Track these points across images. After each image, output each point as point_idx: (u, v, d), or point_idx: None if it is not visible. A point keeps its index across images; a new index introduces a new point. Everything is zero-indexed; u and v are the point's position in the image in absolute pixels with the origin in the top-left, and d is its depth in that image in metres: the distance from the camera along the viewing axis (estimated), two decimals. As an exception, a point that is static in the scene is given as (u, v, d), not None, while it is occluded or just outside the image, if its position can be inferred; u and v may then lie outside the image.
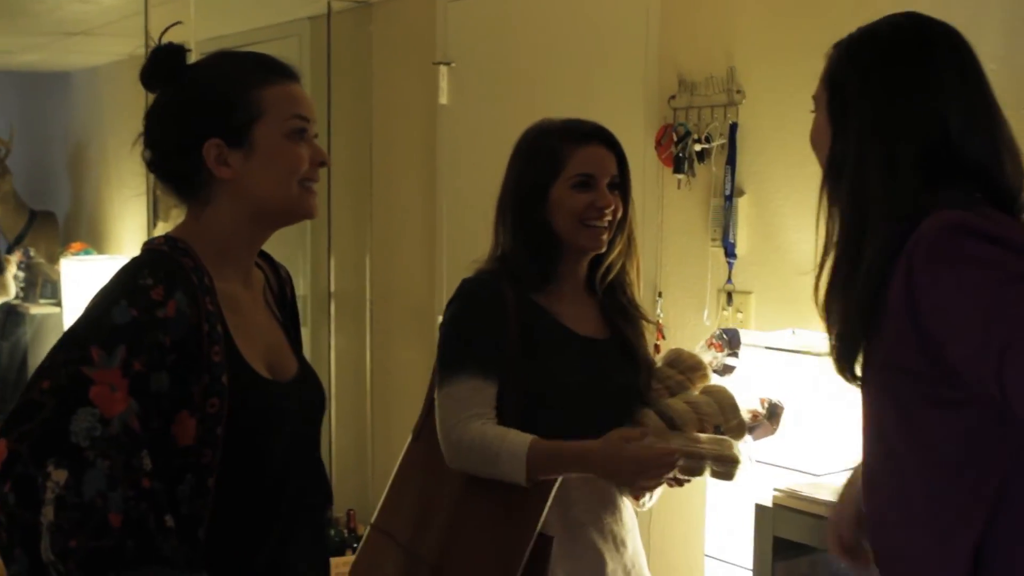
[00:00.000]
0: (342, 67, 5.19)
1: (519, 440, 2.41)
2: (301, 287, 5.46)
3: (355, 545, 4.61)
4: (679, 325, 4.03)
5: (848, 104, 1.92)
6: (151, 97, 1.97)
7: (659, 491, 2.58)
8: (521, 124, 2.66)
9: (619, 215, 2.57)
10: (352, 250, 5.29)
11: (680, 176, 4.01)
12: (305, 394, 2.05)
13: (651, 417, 2.50)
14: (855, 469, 2.14)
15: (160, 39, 1.96)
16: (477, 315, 2.53)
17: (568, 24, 4.12)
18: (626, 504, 2.60)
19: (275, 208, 1.94)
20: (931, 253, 1.73)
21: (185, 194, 1.96)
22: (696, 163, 3.97)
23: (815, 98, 2.02)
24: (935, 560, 1.81)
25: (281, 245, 2.18)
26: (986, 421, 1.76)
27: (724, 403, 2.55)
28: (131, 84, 1.98)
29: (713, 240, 3.93)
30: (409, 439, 2.71)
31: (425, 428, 2.61)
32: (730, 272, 3.89)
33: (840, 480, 3.15)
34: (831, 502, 2.96)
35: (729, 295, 3.90)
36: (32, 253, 7.79)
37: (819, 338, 3.37)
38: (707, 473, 2.41)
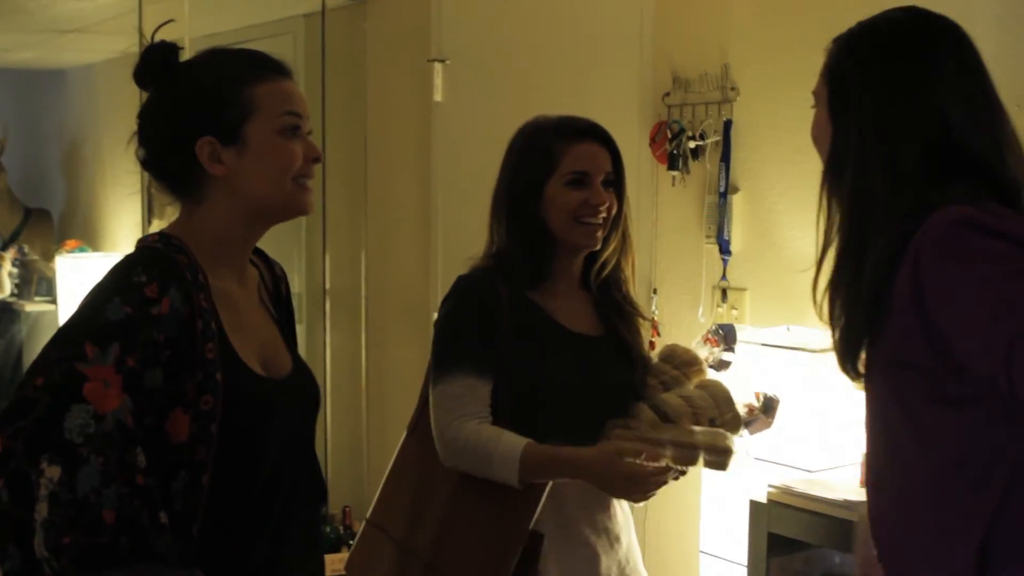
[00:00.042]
0: (336, 64, 5.18)
1: (513, 443, 2.41)
2: (296, 284, 5.45)
3: (350, 542, 4.59)
4: (674, 322, 4.03)
5: (849, 99, 1.91)
6: (146, 95, 1.97)
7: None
8: (516, 121, 2.66)
9: (614, 212, 2.57)
10: (347, 247, 5.29)
11: (675, 173, 4.02)
12: (299, 391, 2.05)
13: (645, 411, 2.50)
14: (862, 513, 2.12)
15: (152, 37, 1.96)
16: (471, 313, 2.53)
17: (563, 22, 4.12)
18: (620, 500, 2.60)
19: (269, 205, 1.94)
20: (939, 248, 1.72)
21: (179, 192, 1.96)
22: (690, 160, 3.98)
23: (815, 93, 2.01)
24: (941, 559, 1.80)
25: (276, 242, 2.18)
26: (993, 418, 1.75)
27: (719, 397, 2.55)
28: (126, 82, 1.98)
29: (708, 237, 3.94)
30: (404, 434, 2.71)
31: (420, 423, 2.62)
32: (725, 269, 3.90)
33: (834, 477, 3.17)
34: (826, 499, 2.97)
35: (724, 292, 3.90)
36: (27, 250, 7.78)
37: (814, 335, 3.38)
38: (701, 463, 2.41)
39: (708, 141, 3.93)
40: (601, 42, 4.17)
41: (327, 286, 5.27)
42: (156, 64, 1.93)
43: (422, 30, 4.19)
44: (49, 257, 7.68)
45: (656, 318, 3.96)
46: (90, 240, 7.82)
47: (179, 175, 1.94)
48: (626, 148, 2.65)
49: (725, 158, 3.87)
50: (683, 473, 2.46)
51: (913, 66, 1.87)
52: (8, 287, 7.54)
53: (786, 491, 3.08)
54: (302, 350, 2.20)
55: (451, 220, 4.03)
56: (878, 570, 2.01)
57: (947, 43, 1.89)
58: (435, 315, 2.64)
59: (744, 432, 2.59)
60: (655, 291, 4.12)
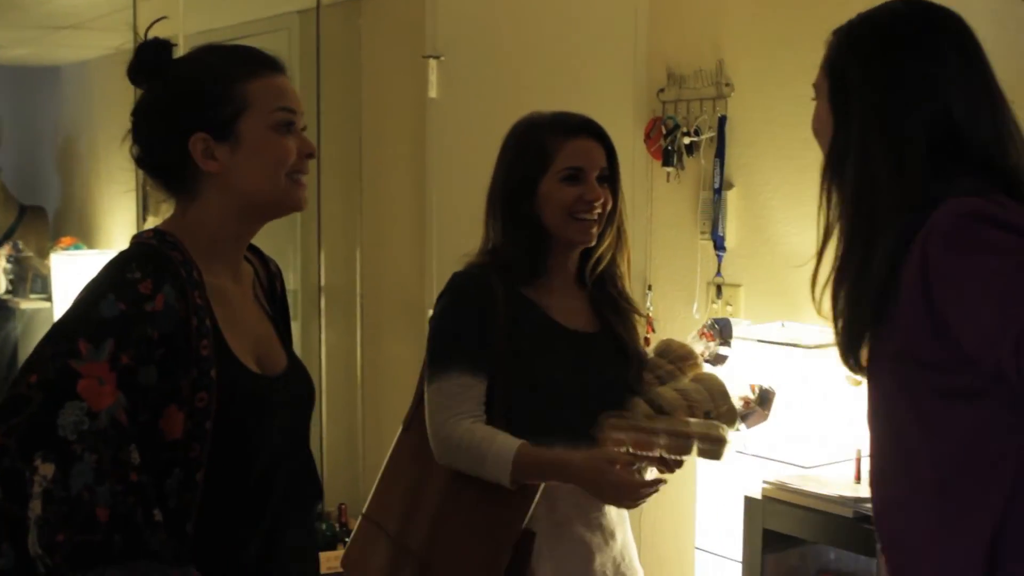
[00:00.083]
0: (331, 60, 5.17)
1: (507, 445, 2.41)
2: (291, 281, 5.45)
3: (346, 539, 4.59)
4: (668, 318, 4.03)
5: (850, 92, 1.90)
6: (140, 92, 1.97)
7: (650, 477, 2.58)
8: (511, 118, 2.66)
9: (608, 208, 2.57)
10: (342, 244, 5.28)
11: (669, 169, 4.02)
12: (294, 388, 2.04)
13: (640, 405, 2.50)
14: None
15: (146, 34, 1.95)
16: (466, 310, 2.54)
17: (557, 18, 4.12)
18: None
19: (263, 201, 1.94)
20: (947, 241, 1.72)
21: (173, 189, 1.96)
22: (685, 156, 3.98)
23: (816, 86, 2.01)
24: (948, 553, 1.80)
25: (271, 239, 2.17)
26: (1001, 411, 1.75)
27: (714, 390, 2.55)
28: (120, 78, 1.98)
29: (702, 233, 3.94)
30: (400, 429, 2.72)
31: (415, 419, 2.62)
32: (719, 265, 3.90)
33: (829, 473, 3.17)
34: (821, 495, 2.98)
35: (718, 288, 3.91)
36: (21, 247, 7.77)
37: (808, 331, 3.38)
38: (695, 452, 2.41)
39: (703, 137, 3.93)
40: (596, 38, 4.17)
41: (322, 283, 5.27)
42: (149, 61, 1.92)
43: (417, 26, 4.19)
44: (44, 254, 7.66)
45: (651, 314, 3.96)
46: (85, 237, 7.80)
47: (173, 172, 1.93)
48: (621, 144, 2.65)
49: (720, 154, 3.87)
50: (679, 464, 2.46)
51: (915, 57, 1.86)
52: (3, 284, 7.53)
53: (781, 487, 3.08)
54: (297, 347, 2.20)
55: (446, 216, 4.03)
56: None
57: (948, 33, 1.89)
58: (430, 312, 2.64)
59: (741, 426, 2.59)
60: (650, 287, 4.12)
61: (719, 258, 3.90)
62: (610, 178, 2.59)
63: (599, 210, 2.54)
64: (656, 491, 2.42)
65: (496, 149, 2.64)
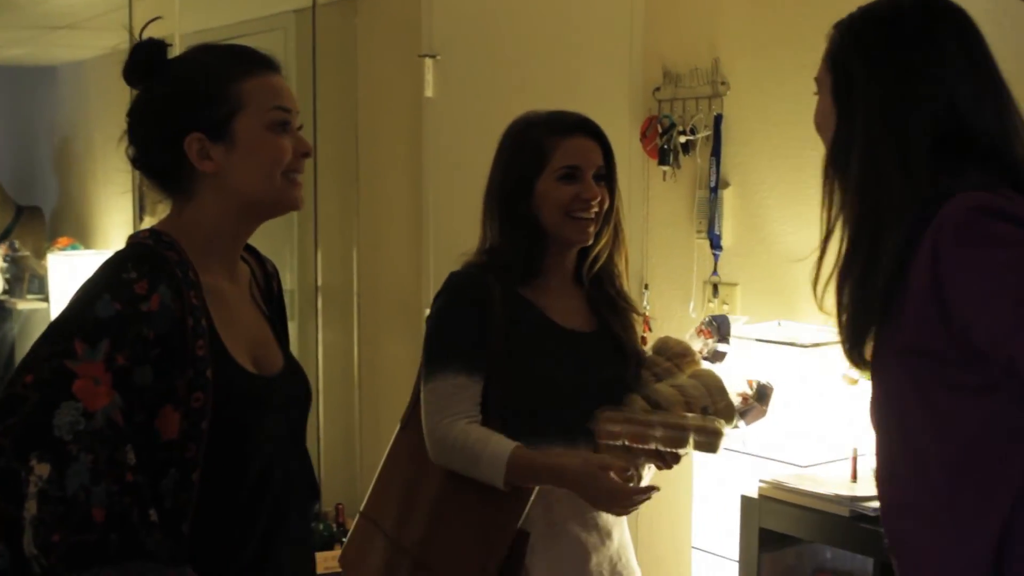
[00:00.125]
0: (327, 60, 5.17)
1: (501, 447, 2.42)
2: (288, 281, 5.44)
3: (343, 539, 4.59)
4: (665, 317, 4.03)
5: (854, 85, 1.89)
6: (136, 92, 1.97)
7: (648, 477, 2.58)
8: (507, 117, 2.66)
9: (605, 206, 2.57)
10: (339, 244, 5.28)
11: (665, 168, 4.02)
12: (290, 388, 2.04)
13: (638, 402, 2.50)
14: None
15: (141, 34, 1.95)
16: (463, 310, 2.54)
17: (553, 17, 4.12)
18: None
19: (259, 200, 1.94)
20: (958, 235, 1.71)
21: (169, 189, 1.96)
22: (681, 155, 3.98)
23: (817, 80, 1.99)
24: (956, 550, 1.79)
25: (268, 239, 2.18)
26: (1010, 408, 1.74)
27: (711, 386, 2.54)
28: (116, 78, 1.98)
29: (699, 232, 3.94)
30: (397, 429, 2.72)
31: (413, 418, 2.62)
32: (716, 264, 3.90)
33: (826, 472, 3.17)
34: (818, 494, 2.97)
35: (715, 287, 3.91)
36: (18, 247, 7.77)
37: (805, 329, 3.38)
38: (690, 445, 2.41)
39: (698, 136, 3.92)
40: (591, 37, 4.17)
41: (319, 283, 5.27)
42: (144, 62, 1.92)
43: (413, 25, 4.18)
44: (41, 255, 7.67)
45: (647, 313, 3.96)
46: (82, 237, 7.80)
47: (168, 172, 1.93)
48: (617, 143, 2.66)
49: (715, 153, 3.87)
50: (676, 460, 2.46)
51: (919, 49, 1.85)
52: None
53: (777, 486, 3.07)
54: (294, 347, 2.20)
55: (443, 216, 4.03)
56: None
57: (951, 25, 1.88)
58: (427, 311, 2.64)
59: (741, 423, 2.59)
60: (646, 286, 4.12)
61: (715, 257, 3.90)
62: (607, 177, 2.59)
63: (596, 209, 2.54)
64: (648, 498, 2.43)
65: (492, 148, 2.64)
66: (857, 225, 1.88)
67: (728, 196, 3.86)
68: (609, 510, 2.50)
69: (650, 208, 4.14)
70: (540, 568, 2.47)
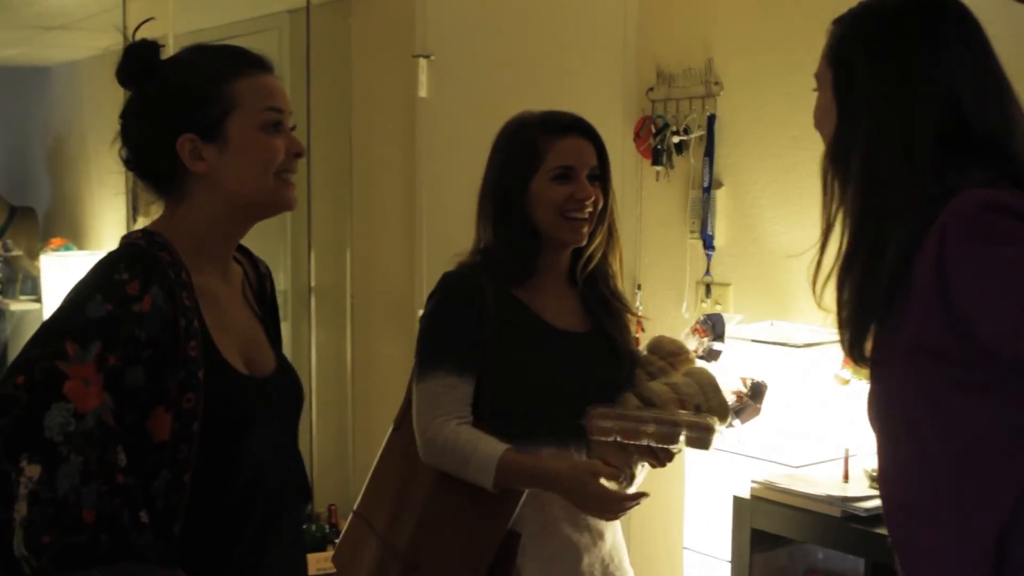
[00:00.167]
0: (321, 60, 5.17)
1: (490, 450, 2.42)
2: (281, 282, 5.44)
3: (336, 541, 4.59)
4: (658, 317, 4.04)
5: (856, 81, 1.88)
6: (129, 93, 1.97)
7: (640, 477, 2.58)
8: (501, 117, 2.66)
9: (600, 206, 2.57)
10: (332, 245, 5.28)
11: (658, 168, 4.03)
12: (283, 390, 2.04)
13: (631, 400, 2.50)
14: None
15: (134, 35, 1.95)
16: (456, 310, 2.54)
17: (547, 17, 4.13)
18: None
19: (252, 201, 1.93)
20: (967, 231, 1.71)
21: (162, 190, 1.95)
22: (674, 155, 3.99)
23: (817, 76, 1.98)
24: (959, 550, 1.79)
25: (261, 240, 2.17)
26: (1016, 407, 1.74)
27: (704, 383, 2.54)
28: (110, 79, 1.98)
29: (692, 232, 3.95)
30: (391, 428, 2.72)
31: (406, 418, 2.62)
32: (708, 264, 3.90)
33: (817, 472, 3.17)
34: (809, 494, 2.98)
35: (708, 287, 3.91)
36: (11, 248, 7.76)
37: (797, 329, 3.39)
38: (683, 442, 2.41)
39: (692, 136, 3.93)
40: (585, 37, 4.18)
41: (312, 283, 5.26)
42: (137, 63, 1.92)
43: (407, 26, 4.19)
44: (34, 255, 7.66)
45: (640, 313, 3.96)
46: (75, 238, 7.80)
47: (161, 173, 1.93)
48: (610, 143, 2.66)
49: (709, 153, 3.88)
50: (669, 457, 2.46)
51: (922, 45, 1.84)
52: (-8, 286, 7.53)
53: (769, 487, 3.08)
54: (287, 347, 2.20)
55: (436, 216, 4.03)
56: None
57: (954, 20, 1.87)
58: (420, 312, 2.64)
59: (736, 421, 2.58)
60: (639, 287, 4.12)
61: (708, 257, 3.90)
62: (601, 177, 2.59)
63: (590, 209, 2.54)
64: (638, 503, 2.43)
65: (486, 148, 2.64)
66: (859, 221, 1.87)
67: (721, 196, 3.87)
68: (598, 516, 2.50)
69: (643, 208, 4.14)
70: (531, 569, 2.47)
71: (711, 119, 3.88)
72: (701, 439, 2.41)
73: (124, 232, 1.97)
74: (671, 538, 3.85)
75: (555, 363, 2.54)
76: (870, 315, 1.86)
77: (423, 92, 4.03)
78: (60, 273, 6.80)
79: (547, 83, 3.97)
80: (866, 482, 3.05)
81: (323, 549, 4.66)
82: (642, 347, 2.73)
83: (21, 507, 1.63)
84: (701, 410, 2.48)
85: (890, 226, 1.81)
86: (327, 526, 4.90)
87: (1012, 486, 1.75)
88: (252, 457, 1.89)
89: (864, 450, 3.18)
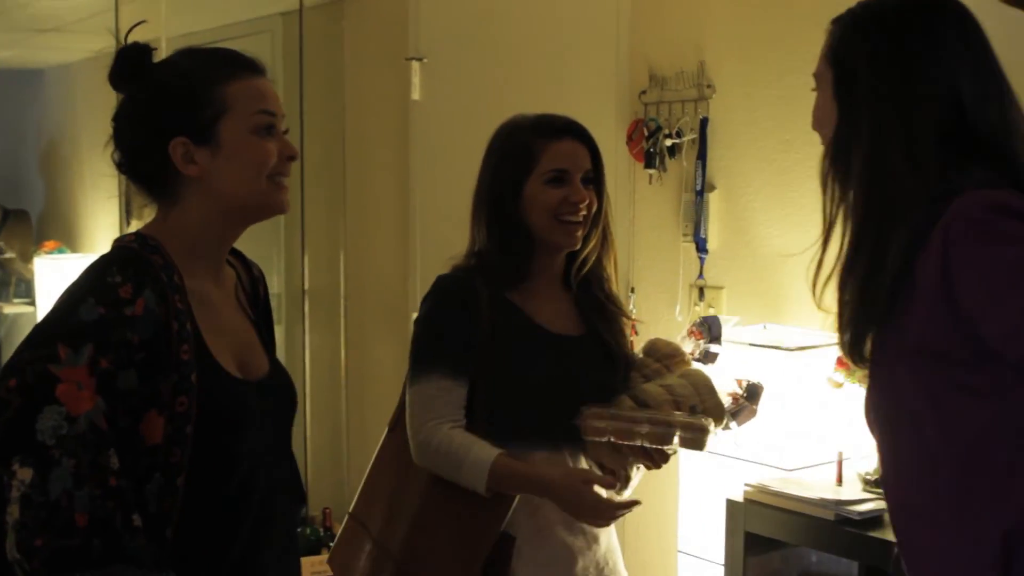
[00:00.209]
0: (314, 63, 5.17)
1: (483, 454, 2.42)
2: (275, 285, 5.44)
3: (330, 544, 4.59)
4: (651, 321, 4.04)
5: (857, 81, 1.87)
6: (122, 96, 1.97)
7: (636, 480, 2.58)
8: (494, 119, 2.66)
9: (594, 209, 2.57)
10: (326, 247, 5.28)
11: (651, 171, 4.03)
12: (276, 393, 2.04)
13: (625, 402, 2.50)
14: None
15: (126, 38, 1.95)
16: (449, 313, 2.54)
17: (540, 20, 4.13)
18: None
19: (244, 204, 1.93)
20: (970, 232, 1.70)
21: (155, 193, 1.95)
22: (667, 158, 3.99)
23: (816, 76, 1.97)
24: (964, 551, 1.79)
25: (255, 243, 2.17)
26: (1020, 408, 1.74)
27: (699, 384, 2.53)
28: (103, 82, 1.97)
29: (684, 235, 3.95)
30: (386, 430, 2.72)
31: (401, 420, 2.62)
32: (702, 267, 3.90)
33: (811, 475, 3.18)
34: (803, 498, 2.98)
35: (701, 290, 3.91)
36: (4, 250, 7.75)
37: (791, 333, 3.39)
38: (677, 443, 2.41)
39: (684, 139, 3.93)
40: (578, 40, 4.18)
41: (306, 286, 5.26)
42: (129, 66, 1.92)
43: (400, 28, 4.19)
44: (27, 258, 7.65)
45: (634, 317, 3.96)
46: (69, 241, 7.79)
47: (154, 176, 1.93)
48: (603, 146, 2.66)
49: (701, 156, 3.88)
50: (664, 459, 2.46)
51: (924, 44, 1.84)
52: (-15, 289, 7.52)
53: (763, 490, 3.08)
54: (281, 350, 2.20)
55: (429, 219, 4.03)
56: None
57: (954, 19, 1.87)
58: (414, 314, 2.64)
59: (732, 424, 2.58)
60: (632, 290, 4.12)
61: (701, 260, 3.90)
62: (595, 180, 2.59)
63: (584, 212, 2.54)
64: (630, 511, 2.43)
65: (479, 151, 2.64)
66: (862, 221, 1.86)
67: (714, 199, 3.87)
68: (591, 523, 2.50)
69: (636, 211, 4.14)
70: (526, 572, 2.47)
71: (704, 122, 3.88)
72: (696, 440, 2.41)
73: (117, 235, 1.97)
74: (665, 541, 3.85)
75: (548, 367, 2.53)
76: (872, 315, 1.85)
77: (416, 95, 4.03)
78: (53, 276, 6.80)
79: (540, 86, 3.97)
80: (859, 485, 3.06)
81: (318, 552, 4.66)
82: (637, 350, 2.73)
83: (13, 510, 1.63)
84: (696, 411, 2.47)
85: (893, 226, 1.80)
86: (321, 529, 4.90)
87: (1017, 487, 1.75)
88: (245, 460, 1.89)
89: (857, 453, 3.18)
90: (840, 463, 3.10)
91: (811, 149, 3.51)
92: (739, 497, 3.12)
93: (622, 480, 2.56)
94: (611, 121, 4.11)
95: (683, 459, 3.50)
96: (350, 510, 2.74)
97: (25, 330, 1.80)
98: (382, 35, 4.87)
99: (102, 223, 7.37)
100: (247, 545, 1.90)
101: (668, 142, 3.96)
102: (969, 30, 1.88)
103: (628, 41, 4.16)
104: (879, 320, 1.84)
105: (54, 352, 1.69)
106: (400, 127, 4.37)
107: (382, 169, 4.91)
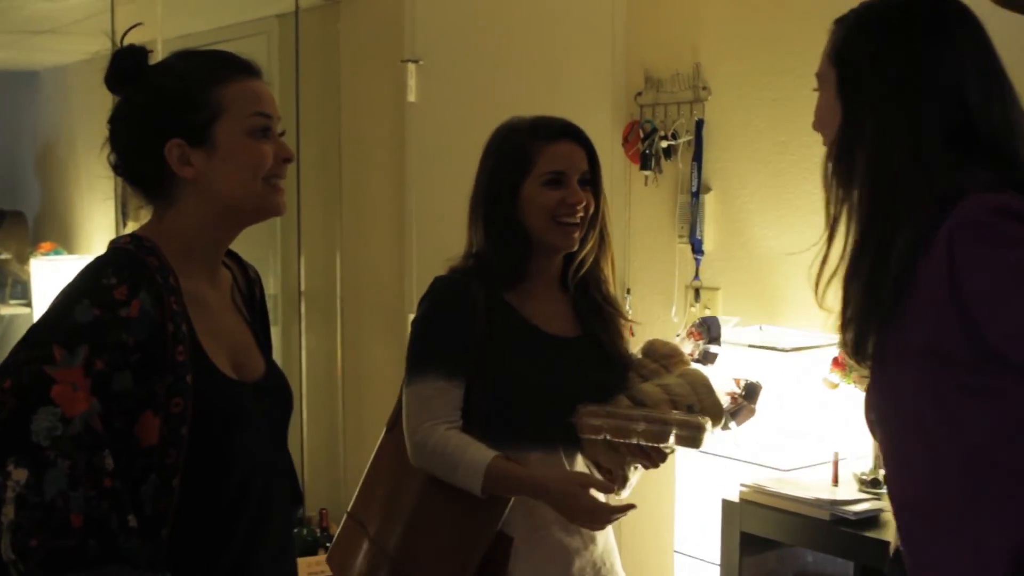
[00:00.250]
0: (310, 65, 5.17)
1: (479, 456, 2.42)
2: (271, 286, 5.44)
3: (327, 544, 4.59)
4: (648, 322, 4.04)
5: (862, 81, 1.87)
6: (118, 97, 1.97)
7: (634, 480, 2.58)
8: (490, 121, 2.66)
9: (591, 211, 2.57)
10: (322, 248, 5.28)
11: (647, 173, 4.03)
12: (271, 394, 2.04)
13: (622, 402, 2.50)
14: None
15: (122, 41, 1.95)
16: (446, 314, 2.54)
17: (535, 22, 4.13)
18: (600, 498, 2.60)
19: (240, 206, 1.94)
20: (977, 235, 1.70)
21: (150, 194, 1.95)
22: (663, 160, 3.99)
23: (819, 76, 1.96)
24: (969, 552, 1.79)
25: (251, 244, 2.17)
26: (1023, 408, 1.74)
27: (697, 384, 2.53)
28: (98, 83, 1.98)
29: (680, 236, 3.95)
30: (384, 431, 2.72)
31: (399, 420, 2.62)
32: (697, 268, 3.91)
33: (806, 476, 3.18)
34: (799, 498, 2.98)
35: (697, 291, 3.91)
36: (0, 251, 7.75)
37: (786, 334, 3.39)
38: (673, 440, 2.41)
39: (680, 141, 3.94)
40: (574, 42, 4.18)
41: (302, 287, 5.26)
42: (125, 68, 1.92)
43: (395, 30, 4.19)
44: (24, 259, 7.64)
45: (631, 318, 3.96)
46: (65, 242, 7.78)
47: (150, 178, 1.93)
48: (599, 148, 2.66)
49: (697, 157, 3.89)
50: (662, 458, 2.46)
51: (928, 43, 1.83)
52: (-18, 290, 7.52)
53: (758, 490, 3.08)
54: (278, 351, 2.20)
55: (426, 220, 4.03)
56: None
57: (956, 20, 1.86)
58: (411, 315, 2.64)
59: (732, 424, 2.59)
60: (628, 291, 4.13)
61: (697, 262, 3.91)
62: (592, 181, 2.59)
63: (581, 213, 2.54)
64: (625, 515, 2.43)
65: (475, 152, 2.64)
66: (867, 221, 1.85)
67: (709, 201, 3.87)
68: (587, 526, 2.50)
69: (632, 213, 4.14)
70: (523, 572, 2.47)
71: (699, 124, 3.89)
72: (692, 438, 2.41)
73: (113, 237, 1.97)
74: (661, 541, 3.86)
75: (545, 368, 2.54)
76: (876, 315, 1.84)
77: (412, 96, 4.04)
78: (50, 277, 6.79)
79: (535, 87, 3.98)
80: (855, 485, 3.06)
81: (314, 553, 4.66)
82: (635, 351, 2.73)
83: (8, 511, 1.63)
84: (694, 410, 2.47)
85: (897, 226, 1.80)
86: (318, 530, 4.90)
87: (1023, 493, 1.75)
88: (241, 461, 1.89)
89: (853, 454, 3.19)
90: (836, 463, 3.11)
91: (806, 151, 3.54)
92: (735, 497, 3.13)
93: (619, 480, 2.56)
94: (607, 123, 4.11)
95: (679, 459, 3.51)
96: (348, 509, 2.74)
97: (21, 331, 1.80)
98: (378, 37, 4.87)
99: (98, 224, 7.37)
100: (243, 546, 1.90)
101: (664, 144, 3.97)
102: (974, 30, 1.87)
103: (624, 43, 4.17)
104: (883, 320, 1.84)
105: (49, 353, 1.70)
106: (396, 129, 4.37)
107: (378, 171, 4.91)
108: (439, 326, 2.55)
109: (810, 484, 3.08)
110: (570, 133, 2.58)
